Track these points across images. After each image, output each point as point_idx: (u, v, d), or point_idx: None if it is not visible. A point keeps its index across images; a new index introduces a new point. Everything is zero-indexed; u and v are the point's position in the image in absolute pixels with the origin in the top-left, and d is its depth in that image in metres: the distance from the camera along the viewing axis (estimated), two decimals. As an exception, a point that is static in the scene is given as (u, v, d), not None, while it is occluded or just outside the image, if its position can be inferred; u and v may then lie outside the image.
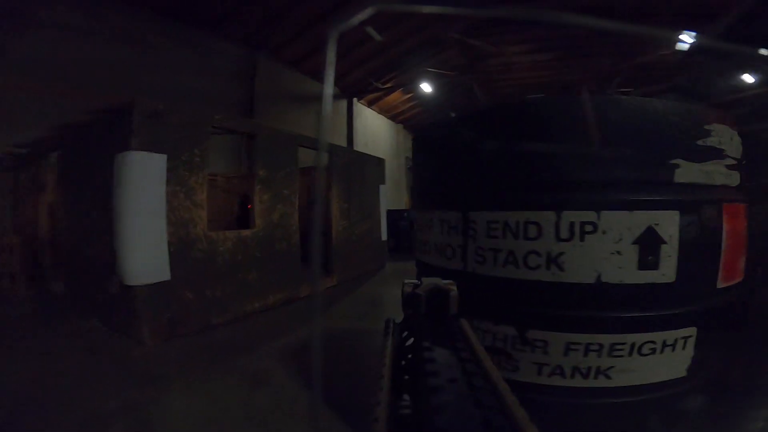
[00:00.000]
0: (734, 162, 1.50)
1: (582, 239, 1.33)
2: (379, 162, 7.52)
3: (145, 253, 3.31)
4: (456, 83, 11.55)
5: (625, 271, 1.33)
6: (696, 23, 6.22)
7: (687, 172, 1.39)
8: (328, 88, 0.64)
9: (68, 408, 2.23)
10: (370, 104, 12.80)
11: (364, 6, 0.55)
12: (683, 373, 1.42)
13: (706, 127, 1.42)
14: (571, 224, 1.34)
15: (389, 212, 7.99)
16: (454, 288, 0.91)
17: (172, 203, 3.52)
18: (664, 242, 1.32)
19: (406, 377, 0.70)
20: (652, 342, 1.35)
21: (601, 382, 1.37)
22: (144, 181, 3.34)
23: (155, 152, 3.41)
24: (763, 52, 0.64)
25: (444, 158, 1.82)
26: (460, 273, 1.62)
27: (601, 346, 1.35)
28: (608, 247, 1.33)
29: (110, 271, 3.37)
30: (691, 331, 1.39)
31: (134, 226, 3.28)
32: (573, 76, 10.75)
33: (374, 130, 13.54)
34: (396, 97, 12.95)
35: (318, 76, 9.87)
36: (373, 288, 5.65)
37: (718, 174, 1.46)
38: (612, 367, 1.36)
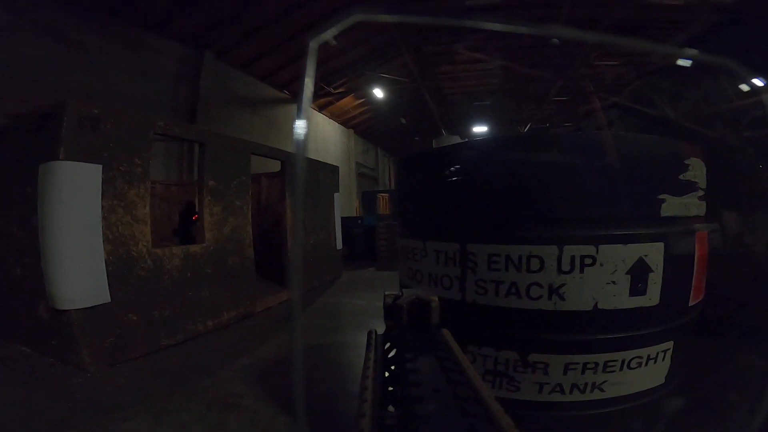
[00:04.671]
0: (703, 193, 1.66)
1: (582, 271, 1.43)
2: (333, 170, 7.41)
3: (78, 274, 2.95)
4: (407, 89, 11.75)
5: (618, 298, 1.44)
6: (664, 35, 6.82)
7: (671, 206, 1.53)
8: (306, 101, 0.64)
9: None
10: (321, 109, 12.62)
11: (346, 15, 0.55)
12: (662, 381, 1.59)
13: (686, 161, 1.57)
14: (572, 258, 1.44)
15: (343, 219, 7.90)
16: (436, 299, 0.91)
17: (109, 219, 3.18)
18: (652, 271, 1.46)
19: (390, 388, 0.68)
20: (639, 357, 1.49)
21: (596, 395, 1.49)
22: (75, 194, 2.97)
23: (88, 162, 3.06)
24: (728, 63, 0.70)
25: (440, 188, 1.81)
26: (458, 303, 1.64)
27: (596, 364, 1.46)
28: (605, 277, 1.43)
29: (38, 295, 2.97)
30: (669, 344, 1.56)
31: (64, 245, 2.91)
32: (516, 84, 11.40)
33: (325, 135, 13.37)
34: (347, 102, 12.90)
35: (270, 79, 9.58)
36: (332, 299, 5.52)
37: (693, 206, 1.61)
38: (605, 381, 1.48)
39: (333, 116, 13.73)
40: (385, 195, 14.81)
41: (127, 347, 3.21)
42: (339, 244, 7.32)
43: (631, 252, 1.44)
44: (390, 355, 0.82)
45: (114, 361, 3.09)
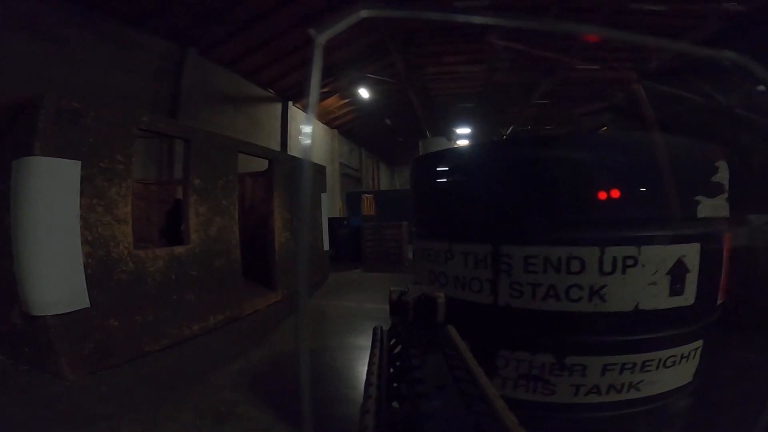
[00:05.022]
0: (727, 195, 1.68)
1: (624, 272, 1.42)
2: (320, 169, 7.30)
3: (54, 277, 2.77)
4: (393, 90, 11.72)
5: (658, 298, 1.45)
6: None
7: (705, 207, 1.54)
8: (313, 99, 0.65)
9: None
10: (305, 108, 12.41)
11: (353, 11, 0.55)
12: (690, 378, 1.61)
13: (716, 164, 1.59)
14: (614, 259, 1.42)
15: (329, 221, 7.78)
16: (442, 295, 0.92)
17: (88, 219, 3.00)
18: (689, 271, 1.47)
19: (395, 385, 0.69)
20: (674, 356, 1.51)
21: (632, 395, 1.49)
22: (51, 192, 2.79)
23: (66, 158, 2.87)
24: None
25: (469, 188, 1.75)
26: (489, 307, 1.59)
27: (634, 364, 1.46)
28: (646, 278, 1.43)
29: (11, 299, 2.77)
30: (700, 343, 1.59)
31: (39, 247, 2.72)
32: (502, 88, 11.54)
33: (308, 134, 13.16)
34: (332, 102, 12.76)
35: (254, 77, 9.36)
36: (321, 301, 5.40)
37: (721, 207, 1.64)
38: (642, 380, 1.48)
39: (317, 116, 13.57)
40: (370, 196, 14.77)
41: (109, 354, 3.03)
42: (326, 245, 7.21)
43: (672, 253, 1.45)
44: (395, 351, 0.83)
45: (95, 368, 2.91)
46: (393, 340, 0.87)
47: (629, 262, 1.42)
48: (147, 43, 6.72)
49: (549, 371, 1.50)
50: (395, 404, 0.62)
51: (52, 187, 2.79)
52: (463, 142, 16.82)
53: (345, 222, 9.84)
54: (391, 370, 0.75)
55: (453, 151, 2.10)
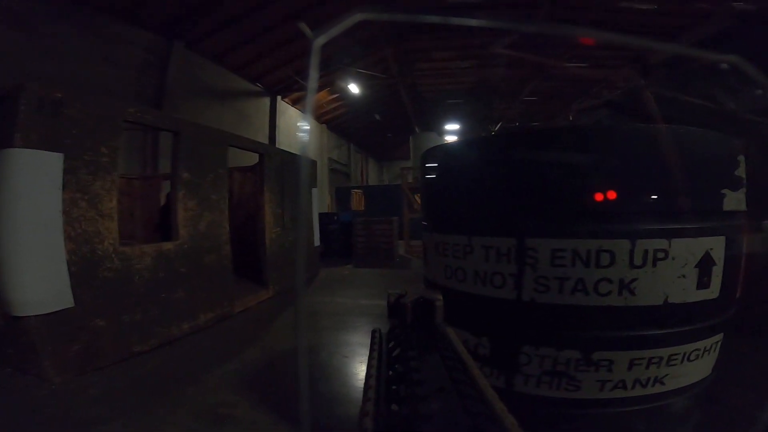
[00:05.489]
0: (746, 189, 1.68)
1: (654, 265, 1.41)
2: (311, 164, 7.19)
3: (36, 276, 2.63)
4: (383, 85, 11.64)
5: (687, 292, 1.44)
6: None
7: (731, 200, 1.54)
8: (310, 99, 0.65)
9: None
10: (294, 103, 12.26)
11: (350, 14, 0.56)
12: (710, 371, 1.62)
13: (738, 158, 1.59)
14: (645, 252, 1.41)
15: (319, 216, 7.69)
16: (440, 297, 0.92)
17: (71, 214, 2.86)
18: (715, 264, 1.47)
19: (394, 387, 0.69)
20: (698, 349, 1.51)
21: (657, 389, 1.49)
22: (32, 186, 2.65)
23: (48, 150, 2.73)
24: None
25: (491, 180, 1.70)
26: (512, 302, 1.55)
27: (661, 358, 1.45)
28: (676, 271, 1.42)
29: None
30: (720, 336, 1.60)
31: (19, 244, 2.59)
32: (492, 83, 11.57)
33: (297, 129, 13.01)
34: (322, 96, 12.61)
35: (242, 71, 9.16)
36: (313, 298, 5.33)
37: (742, 201, 1.64)
38: (667, 374, 1.48)
39: (305, 110, 13.39)
40: (359, 191, 14.69)
41: (96, 355, 2.91)
42: (317, 241, 7.12)
43: (701, 245, 1.44)
44: (394, 354, 0.83)
45: (81, 370, 2.79)
46: (392, 343, 0.88)
47: (660, 255, 1.41)
48: (132, 36, 6.52)
49: (575, 367, 1.47)
50: (394, 406, 0.62)
51: (34, 180, 2.65)
52: (451, 138, 16.88)
53: (335, 217, 9.74)
54: (390, 372, 0.76)
55: (473, 142, 2.05)
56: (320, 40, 0.57)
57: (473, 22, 0.71)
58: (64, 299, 2.76)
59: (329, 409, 2.23)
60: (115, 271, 3.13)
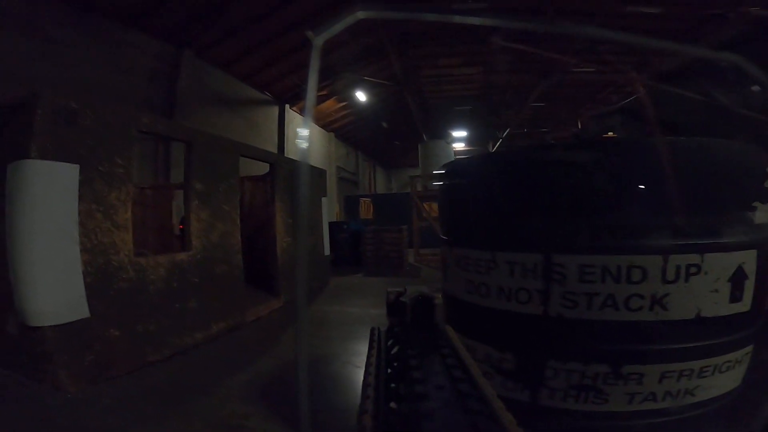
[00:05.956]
0: None
1: (687, 280, 1.39)
2: (321, 173, 7.21)
3: (52, 286, 2.64)
4: (390, 93, 11.68)
5: (719, 305, 1.42)
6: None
7: (761, 213, 1.52)
8: (311, 101, 0.67)
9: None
10: (302, 112, 12.33)
11: (349, 12, 0.55)
12: (739, 382, 1.60)
13: (766, 169, 1.56)
14: (678, 267, 1.39)
15: (329, 225, 7.67)
16: (439, 296, 0.97)
17: (87, 225, 2.87)
18: (748, 278, 1.44)
19: (393, 385, 0.69)
20: (729, 361, 1.49)
21: (687, 400, 1.47)
22: (48, 197, 2.67)
23: (64, 161, 2.75)
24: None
25: (516, 196, 1.69)
26: (538, 318, 1.52)
27: (692, 371, 1.44)
28: (709, 286, 1.40)
29: (6, 309, 2.64)
30: (750, 347, 1.58)
31: (36, 254, 2.60)
32: (498, 89, 11.54)
33: (306, 138, 13.05)
34: (329, 105, 12.69)
35: (251, 79, 9.24)
36: (323, 307, 5.29)
37: None
38: (698, 386, 1.46)
39: (314, 119, 13.48)
40: (368, 200, 14.68)
41: (110, 365, 2.90)
42: (327, 250, 7.10)
43: (733, 260, 1.42)
44: (393, 352, 0.83)
45: (95, 380, 2.79)
46: (391, 341, 0.87)
47: (692, 270, 1.38)
48: (141, 43, 6.60)
49: (603, 380, 1.44)
50: (393, 405, 0.62)
51: (50, 191, 2.67)
52: (459, 146, 16.84)
53: (345, 226, 9.72)
54: (389, 370, 0.75)
55: (497, 156, 2.03)
56: (320, 39, 0.56)
57: (475, 21, 0.70)
58: (80, 310, 2.76)
59: (343, 420, 2.19)
60: (129, 281, 3.13)
